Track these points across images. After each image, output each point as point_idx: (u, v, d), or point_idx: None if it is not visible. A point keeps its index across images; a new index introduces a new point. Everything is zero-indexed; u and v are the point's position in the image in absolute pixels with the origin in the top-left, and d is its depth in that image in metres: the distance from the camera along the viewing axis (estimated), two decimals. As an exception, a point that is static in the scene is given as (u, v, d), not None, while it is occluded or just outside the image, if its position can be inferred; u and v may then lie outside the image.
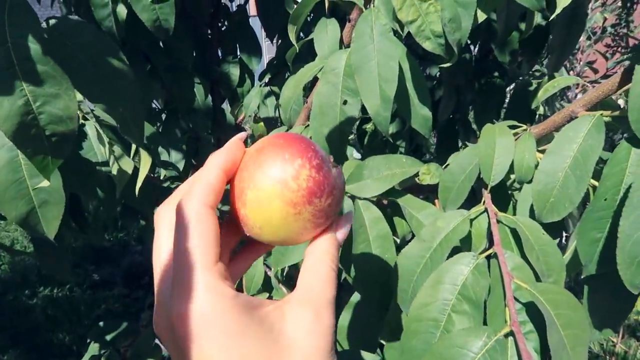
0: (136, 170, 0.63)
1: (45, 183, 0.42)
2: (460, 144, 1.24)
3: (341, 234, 0.31)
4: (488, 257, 0.48)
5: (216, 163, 0.29)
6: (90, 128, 0.64)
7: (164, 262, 0.28)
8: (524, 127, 0.59)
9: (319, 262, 0.29)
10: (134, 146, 0.61)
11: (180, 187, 0.30)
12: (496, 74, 1.10)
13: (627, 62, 0.48)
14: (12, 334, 2.27)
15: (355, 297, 0.72)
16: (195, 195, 0.27)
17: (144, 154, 0.54)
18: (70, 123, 0.40)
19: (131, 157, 0.58)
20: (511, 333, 0.40)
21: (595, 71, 2.23)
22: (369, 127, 1.22)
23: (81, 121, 0.67)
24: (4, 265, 2.78)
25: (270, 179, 0.27)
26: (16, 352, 2.16)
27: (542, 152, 0.58)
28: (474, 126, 1.22)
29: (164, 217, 0.29)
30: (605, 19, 2.40)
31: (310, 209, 0.28)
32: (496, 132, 0.55)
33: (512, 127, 0.59)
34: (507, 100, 1.18)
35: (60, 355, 2.16)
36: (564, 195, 0.47)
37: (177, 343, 0.25)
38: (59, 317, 2.39)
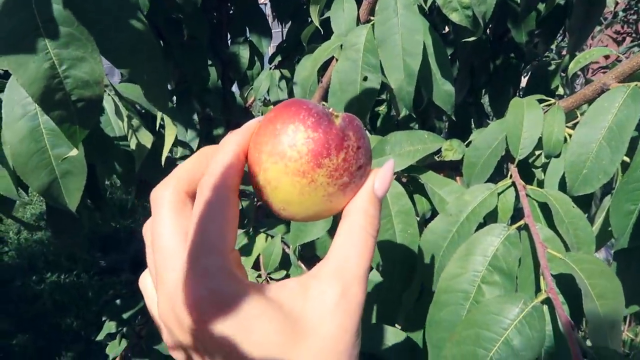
0: (154, 145, 0.62)
1: (74, 152, 0.41)
2: (473, 127, 1.22)
3: (380, 187, 0.27)
4: (518, 229, 0.47)
5: (236, 141, 0.27)
6: (108, 102, 0.63)
7: (169, 247, 0.26)
8: (552, 100, 0.57)
9: (354, 225, 0.26)
10: (158, 119, 0.60)
11: (179, 169, 0.28)
12: (512, 55, 1.08)
13: (635, 49, 0.47)
14: (19, 319, 2.28)
15: (373, 275, 0.71)
16: (219, 177, 0.25)
17: (168, 122, 0.53)
18: (97, 87, 0.39)
19: (156, 128, 0.57)
20: (546, 301, 0.39)
21: (606, 56, 2.19)
22: (381, 109, 1.21)
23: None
24: (11, 251, 2.79)
25: (270, 156, 0.26)
26: (24, 337, 2.18)
27: (569, 127, 0.57)
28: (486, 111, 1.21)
29: (162, 199, 0.27)
30: (617, 3, 2.37)
31: (323, 172, 0.25)
32: (524, 106, 0.54)
33: (539, 101, 0.58)
34: (523, 83, 1.16)
35: (68, 341, 2.17)
36: (597, 166, 0.46)
37: (190, 328, 0.23)
38: (66, 303, 2.40)
